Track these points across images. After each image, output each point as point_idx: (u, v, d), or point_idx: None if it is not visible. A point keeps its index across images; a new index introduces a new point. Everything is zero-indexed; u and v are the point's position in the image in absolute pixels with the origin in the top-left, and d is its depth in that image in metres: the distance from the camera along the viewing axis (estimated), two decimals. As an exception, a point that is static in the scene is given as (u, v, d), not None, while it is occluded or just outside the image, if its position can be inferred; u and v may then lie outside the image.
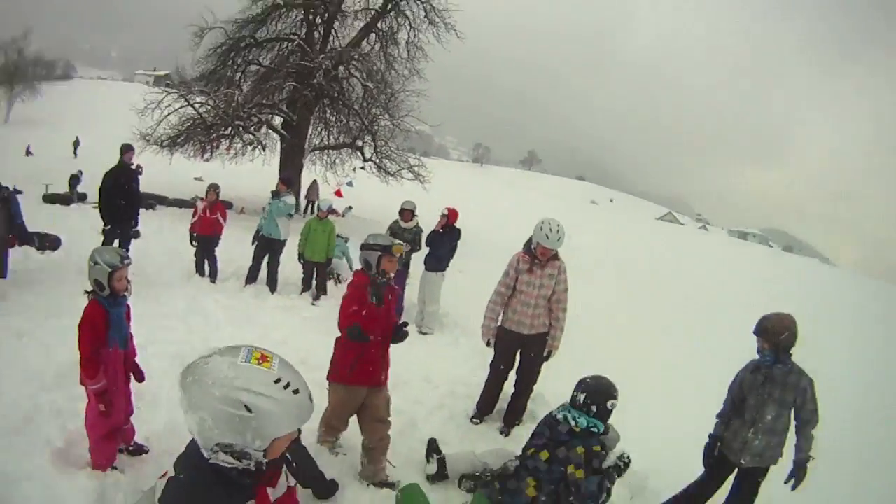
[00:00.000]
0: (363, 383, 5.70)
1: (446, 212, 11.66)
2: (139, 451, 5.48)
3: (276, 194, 12.42)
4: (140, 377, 5.49)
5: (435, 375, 8.61)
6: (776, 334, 5.35)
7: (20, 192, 17.45)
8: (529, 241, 7.26)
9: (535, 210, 43.02)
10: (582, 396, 5.26)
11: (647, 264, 28.94)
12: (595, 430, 5.14)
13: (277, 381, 2.14)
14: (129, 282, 5.07)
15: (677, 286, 23.91)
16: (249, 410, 2.08)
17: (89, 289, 4.92)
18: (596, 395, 5.25)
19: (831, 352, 15.48)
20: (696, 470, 6.00)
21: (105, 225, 11.19)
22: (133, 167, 11.70)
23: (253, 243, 12.45)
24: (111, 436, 5.07)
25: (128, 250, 10.97)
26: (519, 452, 5.61)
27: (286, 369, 2.21)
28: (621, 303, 17.85)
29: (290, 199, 12.42)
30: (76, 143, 42.62)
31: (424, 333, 11.33)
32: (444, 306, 12.04)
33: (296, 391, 2.17)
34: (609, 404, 5.24)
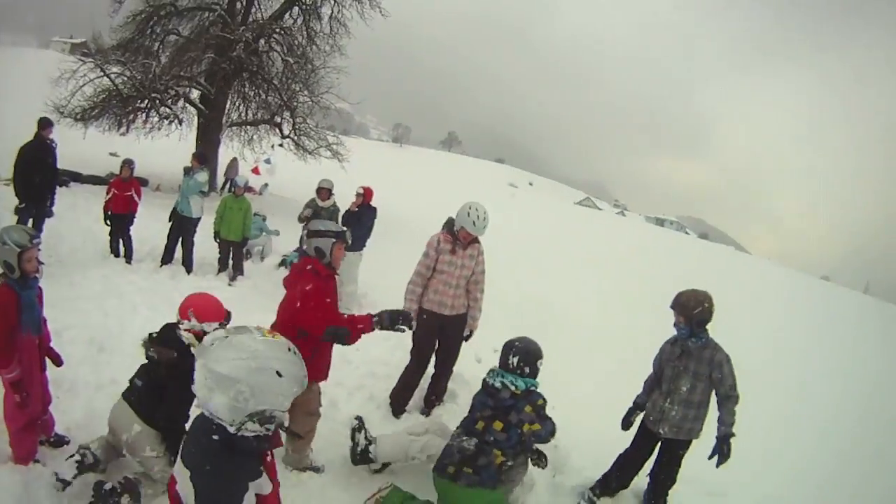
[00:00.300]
0: (313, 378, 5.00)
1: (361, 191, 11.77)
2: (60, 442, 5.30)
3: (189, 170, 12.23)
4: (58, 361, 5.33)
5: (354, 356, 8.51)
6: (690, 308, 5.65)
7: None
8: (451, 222, 7.33)
9: (454, 191, 43.17)
10: (515, 359, 5.54)
11: (563, 246, 29.14)
12: (534, 387, 5.50)
13: (289, 349, 2.69)
14: (40, 263, 4.86)
15: (593, 268, 24.14)
16: (280, 375, 2.59)
17: None
18: (527, 356, 5.59)
19: (747, 336, 15.83)
20: (614, 444, 6.26)
21: (20, 203, 10.79)
22: (50, 142, 11.24)
23: (169, 221, 12.17)
24: (30, 427, 4.92)
25: (41, 230, 10.73)
26: (451, 426, 5.90)
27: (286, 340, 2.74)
28: (538, 285, 17.91)
29: (203, 176, 12.18)
30: None
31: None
32: (361, 286, 12.07)
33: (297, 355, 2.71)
34: (538, 363, 5.63)
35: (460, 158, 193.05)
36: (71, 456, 4.88)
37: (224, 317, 5.15)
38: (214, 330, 4.03)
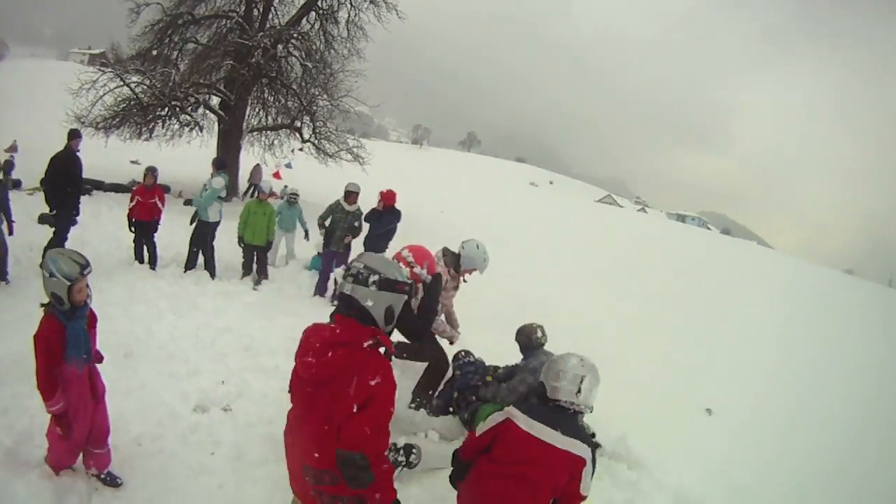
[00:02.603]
0: None
1: (380, 196, 11.69)
2: (112, 482, 5.05)
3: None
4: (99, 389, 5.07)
5: None
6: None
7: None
8: (455, 257, 7.50)
9: (475, 191, 43.15)
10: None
11: (586, 245, 29.02)
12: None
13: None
14: (88, 288, 4.66)
15: (616, 267, 24.03)
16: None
17: (45, 301, 4.50)
18: (520, 335, 6.96)
19: (769, 330, 15.74)
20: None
21: (50, 210, 10.86)
22: (78, 153, 11.27)
23: (191, 225, 12.26)
24: (72, 452, 4.85)
25: (66, 238, 10.88)
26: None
27: None
28: (562, 285, 17.85)
29: (218, 182, 12.18)
30: None
31: None
32: None
33: None
34: (534, 338, 6.83)
35: (480, 158, 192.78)
36: None
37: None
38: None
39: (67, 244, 10.23)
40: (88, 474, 4.96)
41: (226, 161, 14.00)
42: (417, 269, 6.30)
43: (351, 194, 12.02)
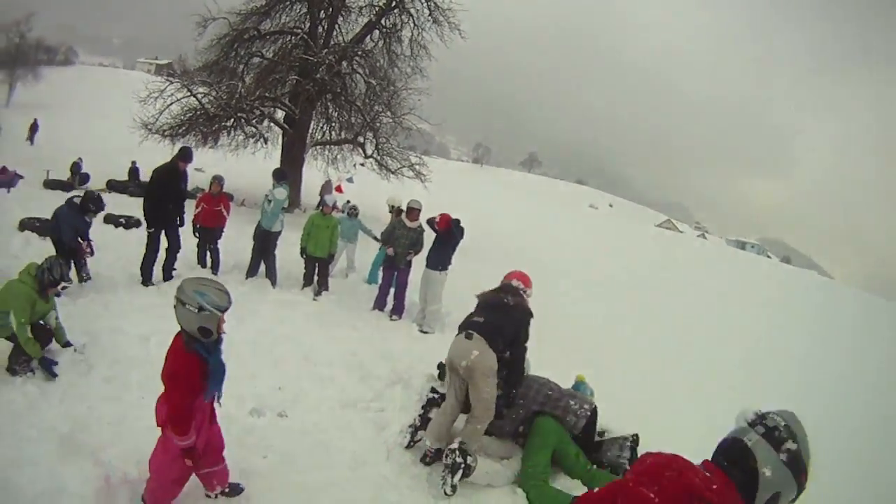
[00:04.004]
0: None
1: (438, 217, 11.45)
2: (235, 490, 5.10)
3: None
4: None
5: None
6: None
7: (21, 177, 17.45)
8: None
9: (536, 214, 43.02)
10: None
11: (645, 273, 28.75)
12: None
13: None
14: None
15: (677, 297, 23.77)
16: None
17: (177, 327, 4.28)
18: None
19: (829, 367, 15.52)
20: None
21: (149, 227, 10.91)
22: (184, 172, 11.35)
23: (254, 236, 12.48)
24: (180, 481, 4.72)
25: (175, 259, 11.23)
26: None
27: None
28: (619, 312, 17.70)
29: (281, 192, 12.37)
30: (33, 129, 36.85)
31: (425, 332, 11.20)
32: (445, 305, 11.90)
33: None
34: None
35: (540, 179, 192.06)
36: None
37: None
38: None
39: (121, 247, 10.35)
40: (215, 495, 4.97)
41: (286, 172, 14.09)
42: (528, 291, 6.98)
43: (412, 211, 11.97)
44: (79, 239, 10.02)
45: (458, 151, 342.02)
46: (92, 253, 10.29)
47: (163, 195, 10.83)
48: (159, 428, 4.52)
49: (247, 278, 12.19)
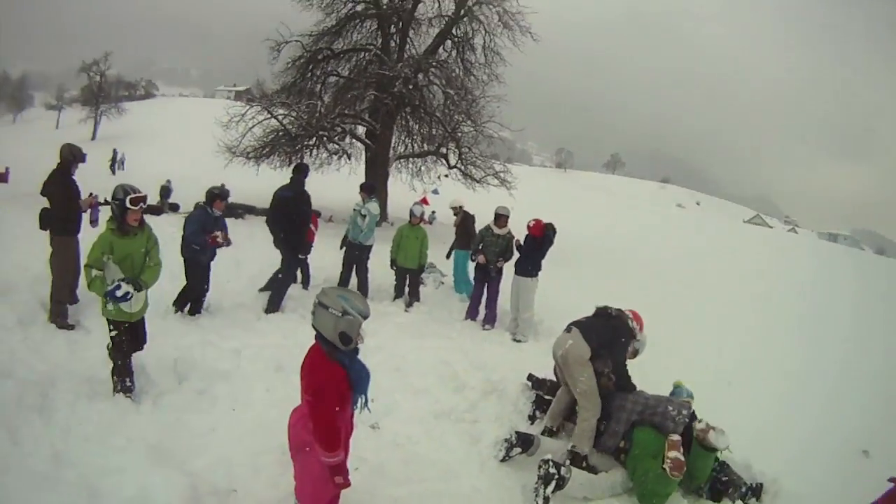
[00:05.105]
0: None
1: (532, 223, 11.26)
2: None
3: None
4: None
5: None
6: None
7: (104, 203, 17.84)
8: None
9: (623, 216, 42.54)
10: None
11: (738, 270, 28.04)
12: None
13: None
14: None
15: (770, 295, 23.06)
16: None
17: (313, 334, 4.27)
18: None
19: None
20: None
21: (298, 254, 11.08)
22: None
23: (341, 248, 12.53)
24: (336, 501, 4.67)
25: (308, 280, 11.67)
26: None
27: None
28: (715, 313, 17.12)
29: (374, 207, 12.26)
30: (115, 160, 38.18)
31: (519, 341, 10.99)
32: (537, 313, 11.62)
33: None
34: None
35: (625, 181, 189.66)
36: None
37: None
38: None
39: (219, 262, 10.30)
40: None
41: (376, 185, 14.12)
42: (640, 335, 7.14)
43: (500, 217, 11.76)
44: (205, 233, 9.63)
45: (541, 157, 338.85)
46: (228, 242, 9.96)
47: (292, 218, 10.74)
48: (298, 451, 4.49)
49: None
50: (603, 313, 7.11)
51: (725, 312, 16.98)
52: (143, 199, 6.34)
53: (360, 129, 26.33)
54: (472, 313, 11.98)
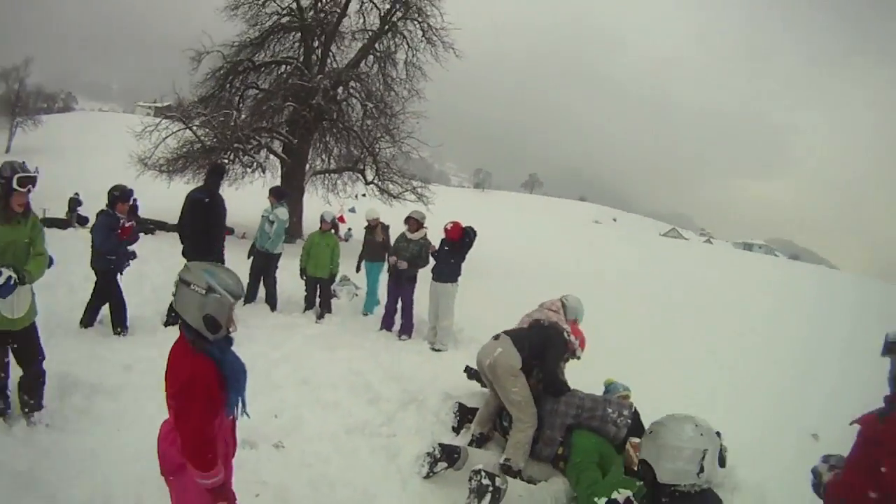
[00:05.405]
0: None
1: (449, 226, 10.79)
2: None
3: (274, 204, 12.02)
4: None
5: (454, 390, 7.84)
6: None
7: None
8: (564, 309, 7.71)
9: (541, 233, 42.72)
10: None
11: (655, 280, 28.31)
12: None
13: None
14: None
15: (689, 299, 23.30)
16: None
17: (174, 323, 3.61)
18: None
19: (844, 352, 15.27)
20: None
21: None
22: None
23: (248, 257, 12.07)
24: None
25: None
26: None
27: None
28: (629, 318, 17.19)
29: (283, 212, 11.94)
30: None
31: (438, 350, 10.50)
32: (457, 322, 11.18)
33: None
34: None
35: (543, 199, 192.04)
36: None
37: None
38: None
39: (125, 277, 9.71)
40: None
41: (285, 190, 13.60)
42: (572, 338, 6.92)
43: (411, 220, 11.38)
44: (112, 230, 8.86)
45: (459, 178, 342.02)
46: (136, 237, 9.31)
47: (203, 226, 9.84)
48: (170, 473, 3.60)
49: (245, 304, 11.40)
50: (534, 323, 6.96)
51: (655, 316, 17.18)
52: (33, 180, 5.43)
53: (277, 144, 25.89)
54: (387, 323, 11.49)
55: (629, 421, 6.08)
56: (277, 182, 24.86)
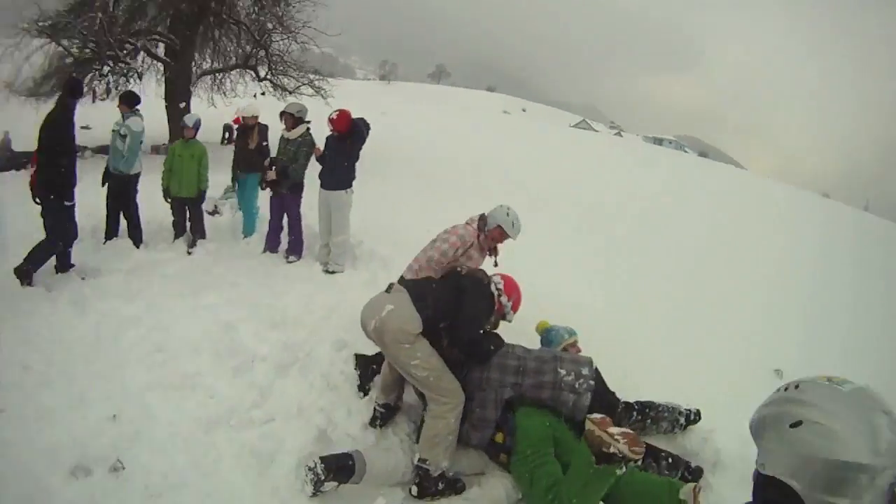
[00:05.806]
0: None
1: (335, 115, 8.93)
2: None
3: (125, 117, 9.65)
4: None
5: (350, 331, 6.05)
6: None
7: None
8: (483, 220, 6.11)
9: (448, 123, 41.31)
10: None
11: (565, 172, 27.06)
12: None
13: None
14: None
15: (594, 190, 22.10)
16: None
17: None
18: None
19: (750, 253, 15.72)
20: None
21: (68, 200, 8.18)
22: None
23: (103, 184, 9.84)
24: None
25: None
26: None
27: None
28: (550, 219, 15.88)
29: (137, 123, 9.60)
30: None
31: (332, 272, 8.94)
32: (354, 234, 9.60)
33: None
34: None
35: (451, 90, 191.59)
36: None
37: None
38: None
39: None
40: None
41: (137, 94, 11.13)
42: (504, 300, 5.05)
43: (286, 115, 9.56)
44: None
45: (364, 71, 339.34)
46: None
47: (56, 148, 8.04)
48: None
49: (105, 241, 9.67)
50: (450, 272, 5.27)
51: (573, 224, 15.58)
52: None
53: (161, 48, 23.22)
54: (271, 243, 9.95)
55: (592, 383, 4.58)
56: (162, 89, 23.03)
